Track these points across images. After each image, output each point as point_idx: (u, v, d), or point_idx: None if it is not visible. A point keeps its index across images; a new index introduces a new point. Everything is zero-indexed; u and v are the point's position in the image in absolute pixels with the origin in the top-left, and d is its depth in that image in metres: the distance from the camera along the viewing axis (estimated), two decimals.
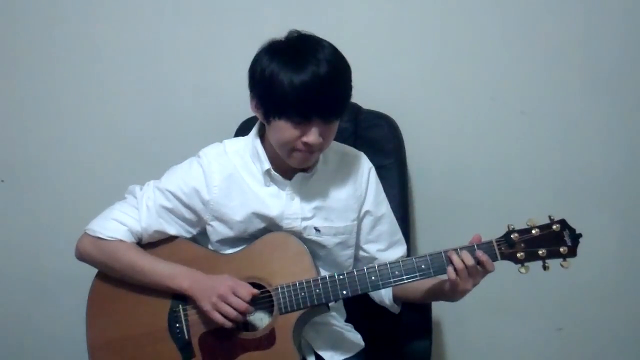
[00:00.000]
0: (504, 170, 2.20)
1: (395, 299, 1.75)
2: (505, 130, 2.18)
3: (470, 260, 1.50)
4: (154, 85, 2.21)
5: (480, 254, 1.51)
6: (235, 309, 1.56)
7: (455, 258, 1.51)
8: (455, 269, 1.51)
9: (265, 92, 1.54)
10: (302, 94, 1.48)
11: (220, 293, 1.56)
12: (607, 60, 2.10)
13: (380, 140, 2.04)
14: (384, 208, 1.80)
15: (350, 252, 1.76)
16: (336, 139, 1.77)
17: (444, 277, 1.57)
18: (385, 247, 1.78)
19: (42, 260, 2.34)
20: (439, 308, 2.05)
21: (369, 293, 1.76)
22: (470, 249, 1.53)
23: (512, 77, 2.13)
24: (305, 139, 1.54)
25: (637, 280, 2.26)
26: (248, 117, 2.02)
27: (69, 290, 2.22)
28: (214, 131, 2.03)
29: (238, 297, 1.56)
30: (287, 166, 1.66)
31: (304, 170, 1.68)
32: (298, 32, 1.59)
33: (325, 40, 1.57)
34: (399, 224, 1.86)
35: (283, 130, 1.54)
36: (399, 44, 2.14)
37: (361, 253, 1.79)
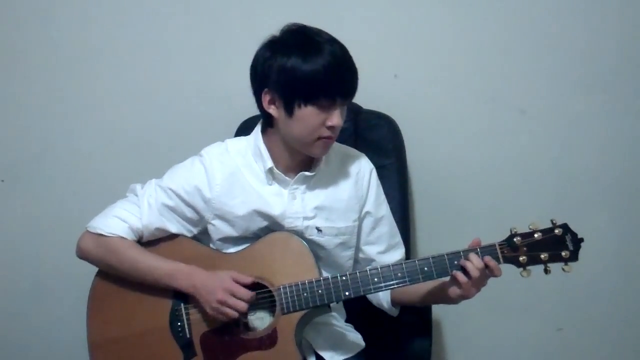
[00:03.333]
0: (503, 170, 2.21)
1: (394, 302, 1.75)
2: (505, 130, 2.18)
3: (481, 265, 1.51)
4: (154, 85, 2.22)
5: (488, 259, 1.52)
6: (235, 310, 1.58)
7: (470, 267, 1.51)
8: (469, 276, 1.51)
9: (290, 85, 1.56)
10: (329, 74, 1.53)
11: (219, 299, 1.58)
12: (607, 60, 2.11)
13: (380, 140, 2.04)
14: (384, 210, 1.80)
15: (350, 253, 1.76)
16: (336, 139, 1.78)
17: (444, 280, 1.58)
18: (384, 249, 1.78)
19: (42, 259, 2.33)
20: (439, 308, 2.05)
21: (367, 296, 1.76)
22: (475, 253, 1.53)
23: (512, 77, 2.14)
24: (329, 122, 1.58)
25: (637, 280, 2.26)
26: (248, 117, 2.02)
27: (69, 290, 2.22)
28: (214, 131, 2.03)
29: (237, 298, 1.58)
30: (290, 165, 1.68)
31: (307, 169, 1.69)
32: (292, 23, 1.62)
33: (312, 26, 1.62)
34: (399, 224, 1.86)
35: (309, 117, 1.57)
36: (399, 44, 2.14)
37: (360, 255, 1.79)
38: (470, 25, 2.12)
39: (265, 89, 1.60)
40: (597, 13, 2.08)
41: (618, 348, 2.32)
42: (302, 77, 1.53)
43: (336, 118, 1.58)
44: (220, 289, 1.58)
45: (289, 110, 1.58)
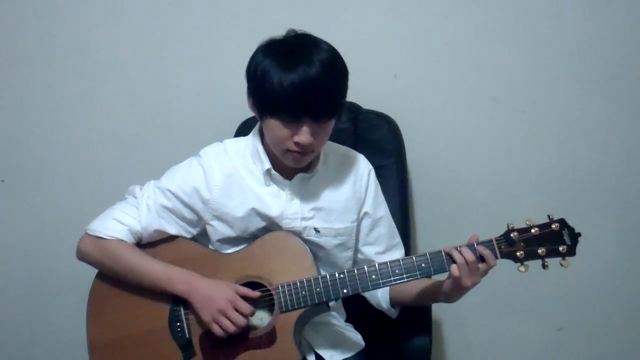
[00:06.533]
0: (504, 170, 2.20)
1: (393, 303, 1.74)
2: (505, 130, 2.18)
3: (471, 256, 1.50)
4: (154, 85, 2.22)
5: (481, 248, 1.52)
6: (234, 323, 1.57)
7: (457, 254, 1.51)
8: (457, 266, 1.51)
9: (258, 89, 1.55)
10: (291, 93, 1.48)
11: (220, 308, 1.57)
12: (608, 61, 2.10)
13: (380, 140, 2.04)
14: (383, 210, 1.80)
15: (349, 253, 1.76)
16: (336, 140, 1.78)
17: (442, 277, 1.58)
18: (383, 249, 1.78)
19: (42, 260, 2.34)
20: (439, 308, 2.04)
21: (367, 297, 1.77)
22: (470, 247, 1.53)
23: (513, 77, 2.13)
24: (296, 138, 1.55)
25: (637, 280, 2.26)
26: (248, 117, 2.02)
27: (69, 290, 2.23)
28: (214, 131, 2.03)
29: (238, 311, 1.57)
30: (288, 166, 1.67)
31: (304, 170, 1.69)
32: (296, 31, 1.59)
33: (324, 42, 1.57)
34: (399, 224, 1.86)
35: (275, 129, 1.55)
36: (399, 44, 2.14)
37: (359, 256, 1.79)
38: (471, 25, 2.12)
39: (247, 90, 1.61)
40: (597, 13, 2.08)
41: (618, 348, 2.31)
42: (267, 89, 1.51)
43: (303, 136, 1.54)
44: (223, 298, 1.58)
45: (260, 117, 1.59)
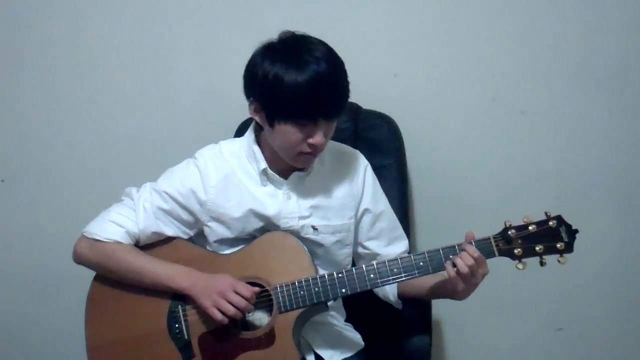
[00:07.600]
0: (503, 170, 2.20)
1: (400, 296, 1.75)
2: (505, 130, 2.18)
3: (470, 260, 1.50)
4: (153, 86, 2.22)
5: (472, 250, 1.51)
6: (235, 306, 1.56)
7: (457, 260, 1.51)
8: (457, 270, 1.51)
9: (270, 96, 1.54)
10: (308, 94, 1.49)
11: (220, 290, 1.57)
12: (607, 60, 2.10)
13: (380, 140, 2.04)
14: (383, 205, 1.80)
15: (348, 250, 1.76)
16: (336, 139, 1.78)
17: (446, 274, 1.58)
18: (386, 243, 1.79)
19: (42, 260, 2.34)
20: (438, 307, 2.05)
21: (374, 289, 1.76)
22: (467, 249, 1.53)
23: (512, 77, 2.13)
24: (311, 140, 1.55)
25: (637, 280, 2.26)
26: (248, 118, 2.02)
27: (69, 290, 2.21)
28: (213, 132, 2.02)
29: (238, 294, 1.57)
30: (283, 165, 1.67)
31: (300, 169, 1.69)
32: (290, 32, 1.59)
33: (315, 38, 1.57)
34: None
35: (289, 134, 1.55)
36: (399, 43, 2.14)
37: (363, 250, 1.79)
38: (471, 25, 2.11)
39: (251, 98, 1.59)
40: (597, 13, 2.07)
41: (618, 348, 2.31)
42: (283, 94, 1.50)
43: (318, 137, 1.55)
44: (223, 282, 1.58)
45: (270, 123, 1.57)
